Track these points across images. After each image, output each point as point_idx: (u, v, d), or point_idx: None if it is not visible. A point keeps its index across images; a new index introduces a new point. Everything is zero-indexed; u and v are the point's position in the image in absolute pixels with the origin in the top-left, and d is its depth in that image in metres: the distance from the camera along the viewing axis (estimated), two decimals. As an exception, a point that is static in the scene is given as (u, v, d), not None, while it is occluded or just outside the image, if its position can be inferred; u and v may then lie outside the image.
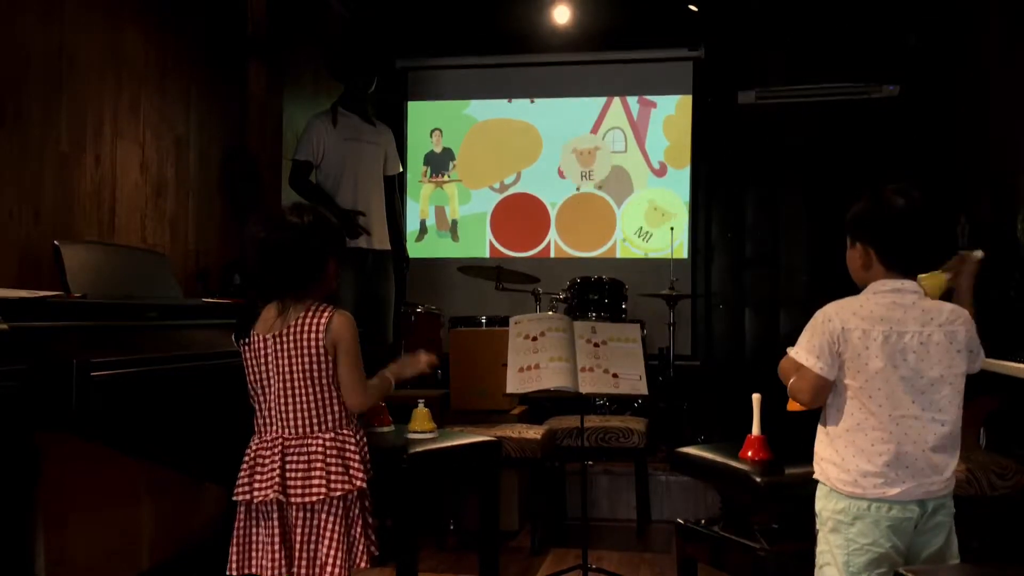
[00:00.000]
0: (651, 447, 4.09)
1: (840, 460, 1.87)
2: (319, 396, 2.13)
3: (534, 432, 3.66)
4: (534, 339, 3.04)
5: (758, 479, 2.42)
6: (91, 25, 3.29)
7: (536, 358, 2.99)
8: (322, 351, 2.12)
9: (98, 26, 3.33)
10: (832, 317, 1.88)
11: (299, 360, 2.12)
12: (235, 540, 2.16)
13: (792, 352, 1.94)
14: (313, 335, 2.12)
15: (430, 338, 4.77)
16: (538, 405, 4.26)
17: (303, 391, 2.12)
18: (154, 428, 2.58)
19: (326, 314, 2.14)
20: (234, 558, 2.16)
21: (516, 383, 2.99)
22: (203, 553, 2.94)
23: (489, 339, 3.97)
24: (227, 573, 2.16)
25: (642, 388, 3.03)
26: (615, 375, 3.02)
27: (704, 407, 5.07)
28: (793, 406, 2.31)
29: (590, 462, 3.75)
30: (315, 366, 2.12)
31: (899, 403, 1.82)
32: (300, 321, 2.13)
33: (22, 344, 2.07)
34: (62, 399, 2.11)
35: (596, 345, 3.07)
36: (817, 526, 1.91)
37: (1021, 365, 2.68)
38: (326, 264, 2.22)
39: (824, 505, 1.89)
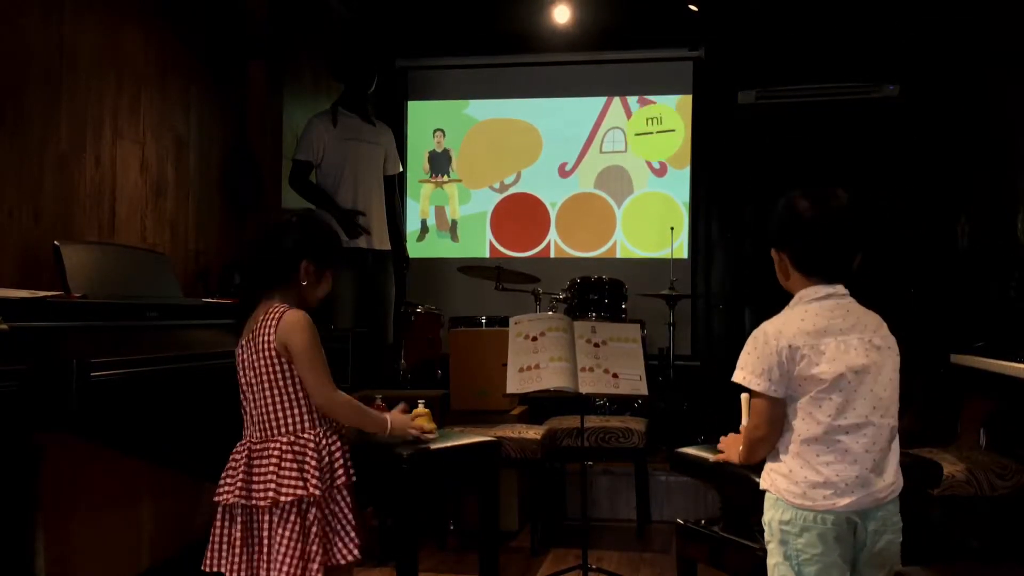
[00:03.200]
0: (651, 447, 4.09)
1: (788, 472, 1.82)
2: (276, 399, 2.13)
3: (534, 432, 3.66)
4: (534, 339, 3.04)
5: (758, 479, 2.42)
6: (91, 25, 3.29)
7: (536, 358, 2.99)
8: (274, 353, 2.11)
9: (98, 26, 3.33)
10: (776, 335, 1.82)
11: (257, 363, 2.14)
12: (212, 538, 2.19)
13: (738, 377, 1.86)
14: (265, 338, 2.12)
15: (430, 338, 4.77)
16: (538, 405, 4.26)
17: (262, 394, 2.14)
18: (154, 428, 2.58)
19: (276, 315, 2.13)
20: (208, 555, 2.18)
21: (516, 383, 2.99)
22: (203, 553, 2.94)
23: (489, 339, 3.96)
24: (202, 568, 2.19)
25: (642, 388, 3.03)
26: (615, 375, 3.02)
27: (704, 407, 5.07)
28: (722, 456, 2.29)
29: (590, 462, 3.74)
30: (269, 368, 2.12)
31: (849, 412, 1.79)
32: (259, 324, 2.14)
33: (22, 344, 2.07)
34: (62, 399, 2.11)
35: (596, 345, 3.07)
36: (766, 537, 1.87)
37: (1021, 365, 2.68)
38: (295, 265, 2.17)
39: (772, 516, 1.84)
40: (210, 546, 2.18)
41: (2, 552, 2.09)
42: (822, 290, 1.85)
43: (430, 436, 2.63)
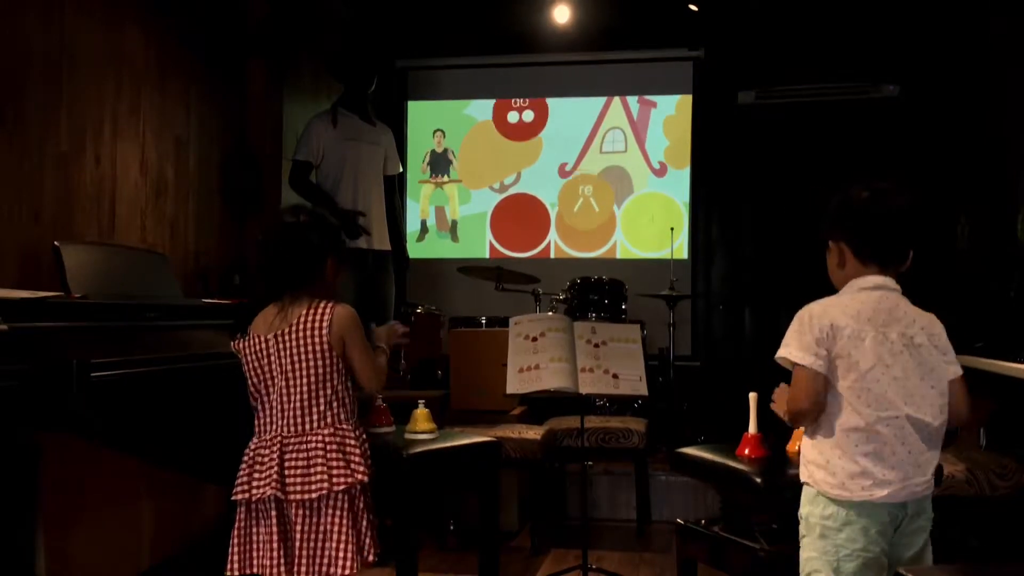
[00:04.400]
0: (651, 447, 4.09)
1: (826, 463, 1.84)
2: (321, 394, 2.13)
3: (534, 432, 3.66)
4: (534, 339, 3.04)
5: (758, 479, 2.42)
6: (91, 25, 3.29)
7: (536, 358, 2.99)
8: (327, 347, 2.13)
9: (98, 26, 3.33)
10: (821, 314, 1.86)
11: (303, 358, 2.13)
12: (235, 539, 2.16)
13: (782, 353, 1.88)
14: (317, 332, 2.13)
15: (430, 338, 4.77)
16: (538, 405, 4.26)
17: (305, 388, 2.13)
18: (154, 428, 2.58)
19: (327, 310, 2.15)
20: (235, 558, 2.15)
21: (516, 383, 2.99)
22: (203, 553, 2.94)
23: (489, 339, 3.96)
24: (227, 573, 2.16)
25: (642, 388, 3.03)
26: (615, 375, 3.02)
27: (704, 407, 5.07)
28: (793, 446, 2.32)
29: (590, 462, 3.73)
30: (320, 363, 2.13)
31: (888, 404, 1.81)
32: (302, 319, 2.14)
33: (22, 344, 2.07)
34: (62, 399, 2.11)
35: (596, 345, 3.07)
36: (802, 531, 1.89)
37: (1021, 365, 2.68)
38: (324, 262, 2.23)
39: (811, 511, 1.86)
40: (235, 547, 2.15)
41: (2, 552, 2.09)
42: (872, 280, 1.89)
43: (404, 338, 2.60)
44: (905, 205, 1.90)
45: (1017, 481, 2.85)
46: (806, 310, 1.89)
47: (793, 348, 1.86)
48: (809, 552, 1.86)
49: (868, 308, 1.86)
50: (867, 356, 1.82)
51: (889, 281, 1.89)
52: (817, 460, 1.87)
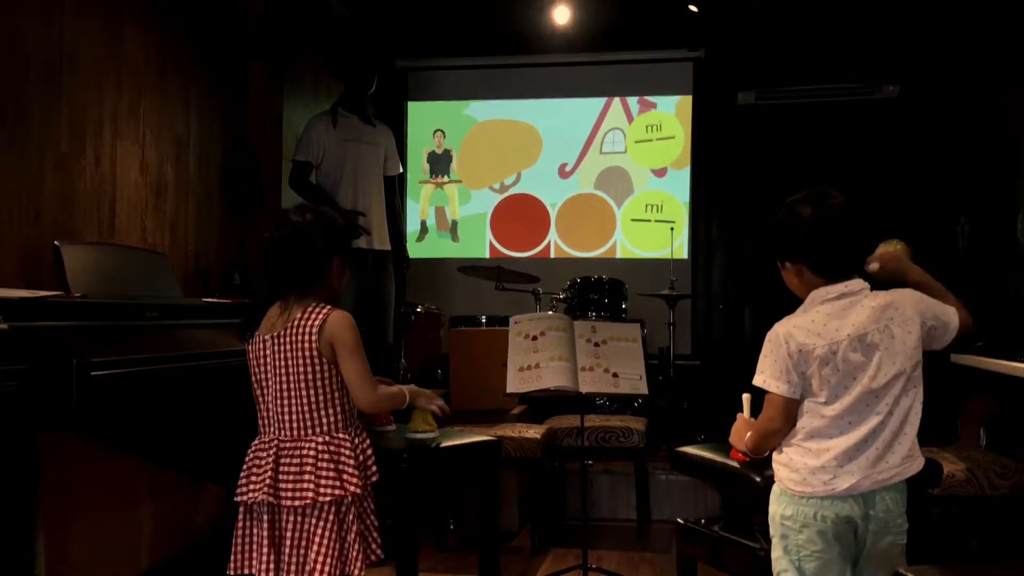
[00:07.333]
0: (651, 447, 4.09)
1: (788, 460, 1.87)
2: (313, 399, 2.11)
3: (534, 432, 3.66)
4: (534, 339, 3.04)
5: (758, 479, 2.42)
6: (91, 25, 3.29)
7: (536, 358, 2.99)
8: (315, 353, 2.10)
9: (98, 26, 3.33)
10: (788, 339, 1.85)
11: (294, 362, 2.11)
12: (236, 540, 2.17)
13: (757, 381, 1.90)
14: (307, 337, 2.10)
15: (430, 338, 4.77)
16: (538, 405, 4.26)
17: (297, 393, 2.11)
18: (154, 428, 2.58)
19: (320, 315, 2.12)
20: (233, 558, 2.16)
21: (516, 383, 2.99)
22: (203, 553, 2.95)
23: (489, 339, 3.97)
24: (227, 573, 2.17)
25: (642, 388, 3.03)
26: (615, 375, 3.02)
27: (704, 407, 5.07)
28: (736, 455, 2.35)
29: (590, 462, 3.74)
30: (309, 368, 2.10)
31: (854, 408, 1.82)
32: (296, 322, 2.12)
33: (22, 344, 2.07)
34: (62, 399, 2.11)
35: (596, 345, 3.07)
36: (771, 531, 1.91)
37: (1021, 365, 2.68)
38: (328, 262, 2.20)
39: (775, 510, 1.89)
40: (234, 548, 2.16)
41: (2, 552, 2.09)
42: (835, 289, 1.87)
43: (441, 408, 2.54)
44: (849, 211, 1.88)
45: (1017, 481, 2.85)
46: (774, 333, 1.89)
47: (768, 376, 1.88)
48: (777, 551, 1.89)
49: (835, 318, 1.84)
50: (840, 367, 1.82)
51: (851, 285, 1.87)
52: (781, 459, 1.90)
